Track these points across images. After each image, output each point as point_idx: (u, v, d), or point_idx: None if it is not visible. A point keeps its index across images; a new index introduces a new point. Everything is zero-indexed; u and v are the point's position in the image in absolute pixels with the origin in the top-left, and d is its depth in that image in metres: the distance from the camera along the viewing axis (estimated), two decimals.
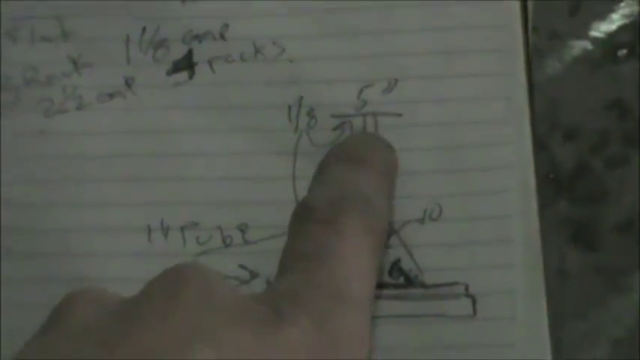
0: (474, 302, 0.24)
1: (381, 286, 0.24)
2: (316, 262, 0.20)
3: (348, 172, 0.23)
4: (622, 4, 0.27)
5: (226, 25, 0.26)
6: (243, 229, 0.25)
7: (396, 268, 0.25)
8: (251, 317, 0.18)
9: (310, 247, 0.20)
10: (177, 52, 0.26)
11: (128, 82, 0.26)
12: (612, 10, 0.27)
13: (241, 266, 0.25)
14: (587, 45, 0.27)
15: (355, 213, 0.21)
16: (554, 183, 0.26)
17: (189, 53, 0.26)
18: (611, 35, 0.27)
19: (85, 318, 0.18)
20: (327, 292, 0.19)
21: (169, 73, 0.26)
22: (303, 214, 0.22)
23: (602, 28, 0.27)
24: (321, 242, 0.20)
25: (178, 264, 0.19)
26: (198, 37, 0.26)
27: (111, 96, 0.26)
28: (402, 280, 0.24)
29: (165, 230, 0.25)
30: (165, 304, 0.17)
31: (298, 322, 0.18)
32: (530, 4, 0.26)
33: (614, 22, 0.27)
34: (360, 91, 0.25)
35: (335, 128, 0.25)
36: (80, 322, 0.18)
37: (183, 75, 0.26)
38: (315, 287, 0.19)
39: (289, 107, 0.25)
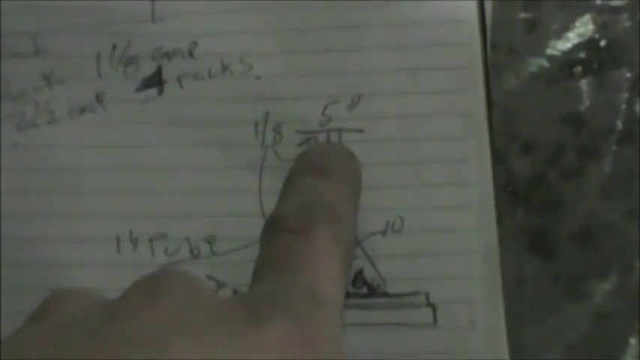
0: (435, 311, 0.25)
1: (345, 295, 0.25)
2: (290, 268, 0.20)
3: (314, 183, 0.23)
4: (577, 24, 0.28)
5: (195, 43, 0.26)
6: (210, 240, 0.25)
7: (359, 278, 0.25)
8: (231, 316, 0.18)
9: (282, 254, 0.21)
10: (147, 69, 0.26)
11: (99, 98, 0.26)
12: (568, 29, 0.27)
13: (209, 277, 0.25)
14: (544, 62, 0.27)
15: (323, 222, 0.22)
16: (511, 194, 0.26)
17: (159, 70, 0.26)
18: (567, 53, 0.27)
19: (70, 311, 0.18)
20: (303, 294, 0.19)
21: (139, 89, 0.26)
22: (274, 225, 0.22)
23: (558, 46, 0.27)
24: (293, 250, 0.21)
25: (163, 267, 0.20)
26: (168, 55, 0.26)
27: (82, 111, 0.26)
28: (365, 289, 0.25)
29: (135, 241, 0.26)
30: (149, 299, 0.18)
31: (276, 322, 0.18)
32: (488, 22, 0.26)
33: (569, 40, 0.27)
34: (325, 108, 0.26)
35: (300, 144, 0.26)
36: (65, 314, 0.18)
37: (152, 91, 0.26)
38: (290, 290, 0.20)
39: (256, 123, 0.26)
